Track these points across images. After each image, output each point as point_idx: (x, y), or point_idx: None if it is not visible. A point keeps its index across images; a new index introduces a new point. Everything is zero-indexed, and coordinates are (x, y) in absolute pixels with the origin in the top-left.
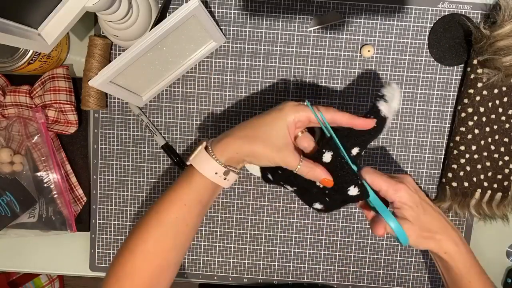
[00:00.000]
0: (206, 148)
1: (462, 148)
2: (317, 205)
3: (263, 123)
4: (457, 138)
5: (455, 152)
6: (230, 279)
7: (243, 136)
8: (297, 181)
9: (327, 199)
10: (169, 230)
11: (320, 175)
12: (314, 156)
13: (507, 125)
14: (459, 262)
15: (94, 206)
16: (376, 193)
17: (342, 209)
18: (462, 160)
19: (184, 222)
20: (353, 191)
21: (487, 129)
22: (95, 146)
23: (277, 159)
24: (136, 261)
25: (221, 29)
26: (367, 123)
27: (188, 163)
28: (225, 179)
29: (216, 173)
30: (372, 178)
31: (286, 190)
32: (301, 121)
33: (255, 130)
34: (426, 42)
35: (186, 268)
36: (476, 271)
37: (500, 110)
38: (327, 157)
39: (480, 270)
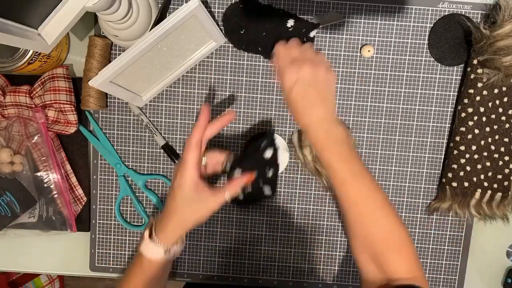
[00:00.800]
0: (151, 235)
1: (462, 148)
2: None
3: (180, 203)
4: (457, 138)
5: (455, 152)
6: (230, 279)
7: (178, 221)
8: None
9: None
10: None
11: (241, 183)
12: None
13: (507, 125)
14: (317, 145)
15: (94, 206)
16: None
17: None
18: (462, 160)
19: None
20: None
21: (487, 129)
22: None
23: (211, 211)
24: None
25: (221, 29)
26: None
27: (139, 252)
28: (167, 253)
29: (164, 254)
30: (278, 61)
31: (286, 191)
32: (196, 164)
33: (182, 211)
34: (426, 42)
35: (186, 268)
36: (339, 157)
37: (500, 110)
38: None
39: (350, 159)
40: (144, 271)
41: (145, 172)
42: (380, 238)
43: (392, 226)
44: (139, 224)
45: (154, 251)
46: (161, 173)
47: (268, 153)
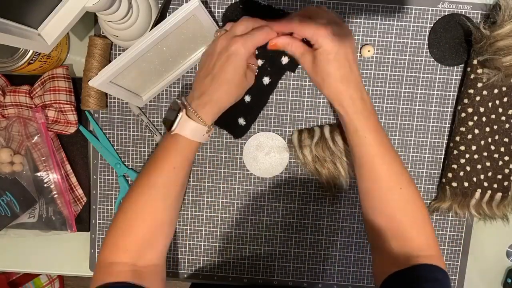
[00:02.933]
0: (187, 112)
1: (462, 148)
2: (266, 79)
3: (226, 73)
4: (457, 138)
5: (455, 152)
6: (230, 279)
7: (223, 92)
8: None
9: (269, 69)
10: (159, 192)
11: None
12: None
13: (507, 125)
14: (354, 117)
15: (94, 206)
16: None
17: (342, 209)
18: (462, 160)
19: (174, 183)
20: (284, 60)
21: (487, 129)
22: None
23: (248, 85)
24: (128, 221)
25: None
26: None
27: (173, 133)
28: (209, 134)
29: (203, 135)
30: (298, 29)
31: (286, 191)
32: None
33: (228, 82)
34: (426, 42)
35: (186, 268)
36: (376, 132)
37: (500, 110)
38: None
39: (379, 129)
40: (182, 152)
41: None
42: (406, 215)
43: (418, 204)
44: None
45: (198, 131)
46: None
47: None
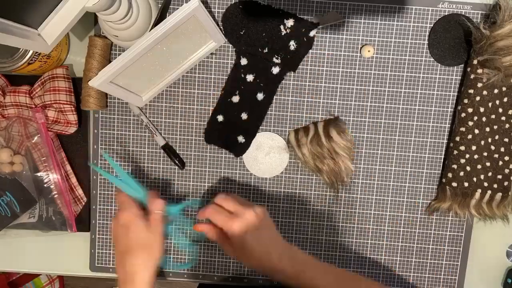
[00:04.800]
0: None
1: (462, 148)
2: (260, 95)
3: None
4: (457, 138)
5: (455, 152)
6: (230, 279)
7: (143, 263)
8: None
9: (261, 84)
10: None
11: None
12: None
13: (507, 125)
14: (291, 282)
15: (94, 206)
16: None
17: (342, 209)
18: (462, 160)
19: None
20: (275, 70)
21: (487, 129)
22: (95, 146)
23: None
24: None
25: (221, 29)
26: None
27: None
28: None
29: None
30: (212, 218)
31: (286, 191)
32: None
33: (137, 253)
34: (426, 42)
35: (186, 268)
36: (312, 277)
37: (500, 110)
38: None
39: (318, 274)
40: None
41: (145, 172)
42: None
43: None
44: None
45: None
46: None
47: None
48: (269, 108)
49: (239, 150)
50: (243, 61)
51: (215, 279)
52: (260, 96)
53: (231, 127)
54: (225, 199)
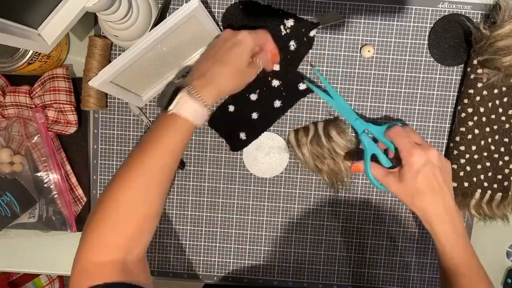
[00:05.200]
0: (189, 93)
1: (462, 148)
2: (277, 103)
3: (230, 55)
4: (457, 139)
5: (455, 152)
6: (230, 279)
7: (228, 75)
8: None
9: (284, 93)
10: (154, 178)
11: (271, 54)
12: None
13: (507, 125)
14: (442, 239)
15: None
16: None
17: (342, 209)
18: (462, 160)
19: (169, 168)
20: (302, 86)
21: (487, 129)
22: (95, 147)
23: (248, 81)
24: (120, 211)
25: (221, 29)
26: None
27: (170, 112)
28: (206, 119)
29: (203, 118)
30: (396, 137)
31: (286, 191)
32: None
33: (231, 65)
34: (426, 42)
35: (186, 268)
36: (464, 253)
37: (500, 110)
38: (276, 67)
39: (470, 253)
40: (179, 134)
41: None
42: None
43: None
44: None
45: (198, 112)
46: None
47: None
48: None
49: (237, 145)
50: (276, 67)
51: (215, 279)
52: (277, 103)
53: (238, 121)
54: (412, 130)
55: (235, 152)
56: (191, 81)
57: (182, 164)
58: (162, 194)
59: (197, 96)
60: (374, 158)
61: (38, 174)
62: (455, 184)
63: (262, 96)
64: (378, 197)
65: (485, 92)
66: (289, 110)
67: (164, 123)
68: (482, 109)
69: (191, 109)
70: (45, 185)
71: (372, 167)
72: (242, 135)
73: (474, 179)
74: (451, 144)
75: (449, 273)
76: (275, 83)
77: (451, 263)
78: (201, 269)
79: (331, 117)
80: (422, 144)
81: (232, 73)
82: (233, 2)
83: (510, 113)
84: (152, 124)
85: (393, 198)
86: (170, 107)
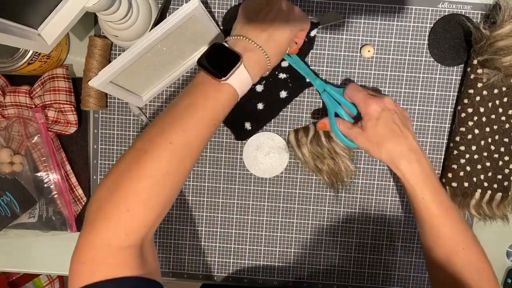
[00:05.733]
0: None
1: (462, 148)
2: (283, 93)
3: (291, 25)
4: (457, 138)
5: (455, 152)
6: (230, 279)
7: (275, 49)
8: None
9: (290, 84)
10: (193, 153)
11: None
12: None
13: (507, 125)
14: (411, 179)
15: None
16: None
17: (342, 209)
18: (462, 160)
19: (205, 142)
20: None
21: (487, 129)
22: (95, 146)
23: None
24: (140, 194)
25: (221, 29)
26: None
27: (225, 81)
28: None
29: (247, 87)
30: (352, 93)
31: (286, 191)
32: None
33: (278, 40)
34: (426, 42)
35: (186, 268)
36: (435, 192)
37: (500, 110)
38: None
39: (440, 192)
40: (226, 105)
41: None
42: (470, 278)
43: (482, 265)
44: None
45: (246, 84)
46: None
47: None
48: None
49: (242, 135)
50: (284, 64)
51: (215, 279)
52: (283, 94)
53: (244, 112)
54: (364, 88)
55: (235, 152)
56: (252, 37)
57: None
58: (187, 172)
59: (264, 55)
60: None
61: (38, 174)
62: (455, 184)
63: (268, 87)
64: (378, 197)
65: (485, 92)
66: (289, 110)
67: (211, 91)
68: (482, 109)
69: (242, 79)
70: (45, 185)
71: (337, 122)
72: (247, 125)
73: (474, 179)
74: (451, 144)
75: (424, 217)
76: (282, 75)
77: (423, 204)
78: (201, 269)
79: None
80: (377, 95)
81: (286, 42)
82: (233, 4)
83: (510, 113)
84: (192, 85)
85: (393, 198)
86: (226, 77)
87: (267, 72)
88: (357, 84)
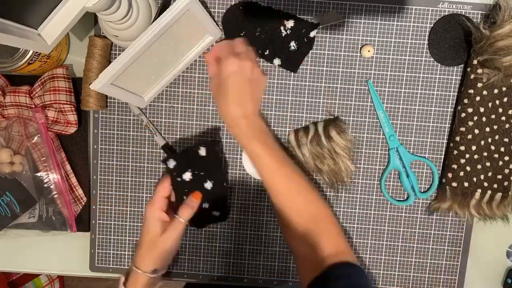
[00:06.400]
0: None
1: (462, 148)
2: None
3: (146, 244)
4: (457, 138)
5: (455, 152)
6: (230, 279)
7: (151, 266)
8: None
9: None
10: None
11: (191, 204)
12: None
13: (507, 125)
14: (240, 137)
15: (94, 206)
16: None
17: (342, 209)
18: (462, 160)
19: None
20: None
21: (487, 129)
22: (95, 146)
23: (174, 240)
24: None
25: (217, 24)
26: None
27: None
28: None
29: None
30: (220, 50)
31: None
32: (162, 207)
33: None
34: (426, 42)
35: (186, 268)
36: (263, 146)
37: (500, 110)
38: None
39: (268, 144)
40: None
41: (145, 172)
42: (309, 221)
43: (317, 211)
44: (401, 199)
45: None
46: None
47: (186, 176)
48: (269, 108)
49: (223, 217)
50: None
51: (215, 279)
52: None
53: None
54: (239, 40)
55: (235, 153)
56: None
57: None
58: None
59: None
60: None
61: (38, 174)
62: (455, 184)
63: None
64: (378, 197)
65: (485, 92)
66: (289, 110)
67: None
68: (482, 109)
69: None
70: (45, 185)
71: (211, 63)
72: (215, 213)
73: (474, 179)
74: (451, 144)
75: (258, 169)
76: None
77: (255, 157)
78: (201, 269)
79: (331, 116)
80: (241, 54)
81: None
82: (233, 3)
83: (510, 113)
84: None
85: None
86: None
87: None
88: (240, 40)
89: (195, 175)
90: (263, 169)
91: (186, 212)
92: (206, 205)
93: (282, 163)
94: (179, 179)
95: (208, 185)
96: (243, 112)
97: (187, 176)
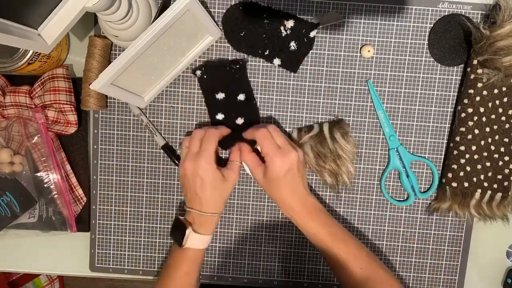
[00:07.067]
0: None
1: (462, 148)
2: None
3: (207, 191)
4: (457, 139)
5: (455, 152)
6: (230, 279)
7: (214, 207)
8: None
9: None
10: None
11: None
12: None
13: (507, 125)
14: (299, 222)
15: (94, 207)
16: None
17: (342, 209)
18: (462, 160)
19: (187, 286)
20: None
21: (487, 129)
22: (95, 146)
23: (232, 187)
24: None
25: (217, 24)
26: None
27: (184, 246)
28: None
29: (208, 242)
30: (262, 141)
31: None
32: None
33: (212, 198)
34: (426, 42)
35: None
36: (322, 224)
37: (500, 110)
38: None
39: (327, 223)
40: (192, 259)
41: (145, 172)
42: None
43: (384, 276)
44: (401, 199)
45: (204, 241)
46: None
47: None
48: (269, 108)
49: (223, 145)
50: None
51: (214, 279)
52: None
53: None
54: (276, 130)
55: None
56: (192, 219)
57: None
58: None
59: (202, 231)
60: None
61: (38, 174)
62: (455, 184)
63: (249, 97)
64: (378, 197)
65: (485, 92)
66: (289, 110)
67: (178, 254)
68: (482, 109)
69: (198, 241)
70: (45, 185)
71: (249, 154)
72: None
73: (474, 179)
74: (451, 144)
75: (319, 248)
76: (241, 97)
77: (315, 238)
78: (201, 269)
79: (333, 117)
80: (283, 147)
81: (219, 201)
82: (233, 3)
83: (510, 113)
84: (170, 253)
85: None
86: (183, 244)
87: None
88: (268, 128)
89: (228, 91)
90: (323, 244)
91: (241, 156)
92: (240, 121)
93: (341, 237)
94: (216, 95)
95: (242, 96)
96: (300, 192)
97: (221, 95)
